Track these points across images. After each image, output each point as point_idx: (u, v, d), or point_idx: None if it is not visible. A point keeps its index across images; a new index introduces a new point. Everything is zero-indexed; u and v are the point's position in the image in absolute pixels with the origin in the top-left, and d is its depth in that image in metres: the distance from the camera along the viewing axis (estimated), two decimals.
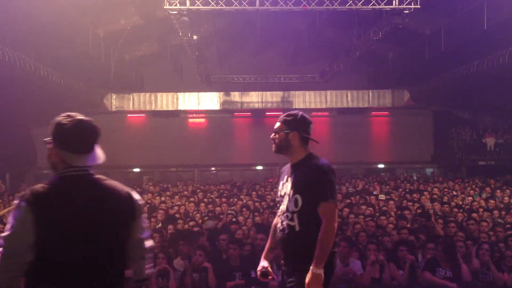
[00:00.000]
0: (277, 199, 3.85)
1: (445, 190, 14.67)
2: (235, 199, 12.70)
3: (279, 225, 3.72)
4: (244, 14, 15.51)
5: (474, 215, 9.80)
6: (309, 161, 3.71)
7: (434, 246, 7.24)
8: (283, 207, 3.69)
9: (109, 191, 2.83)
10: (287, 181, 3.72)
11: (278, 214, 3.78)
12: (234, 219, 9.76)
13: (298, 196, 3.56)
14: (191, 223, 9.46)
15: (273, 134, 3.83)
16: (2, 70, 12.44)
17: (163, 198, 13.53)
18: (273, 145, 3.84)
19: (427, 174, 22.90)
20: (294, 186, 3.62)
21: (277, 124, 3.82)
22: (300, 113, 3.80)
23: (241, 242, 7.66)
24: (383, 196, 13.19)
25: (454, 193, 14.28)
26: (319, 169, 3.60)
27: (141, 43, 20.31)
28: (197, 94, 22.85)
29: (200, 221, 10.03)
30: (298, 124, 3.76)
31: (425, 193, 13.25)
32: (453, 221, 9.09)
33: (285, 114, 3.83)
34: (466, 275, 6.77)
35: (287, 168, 3.85)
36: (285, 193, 3.70)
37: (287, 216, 3.62)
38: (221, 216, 10.50)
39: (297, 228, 3.54)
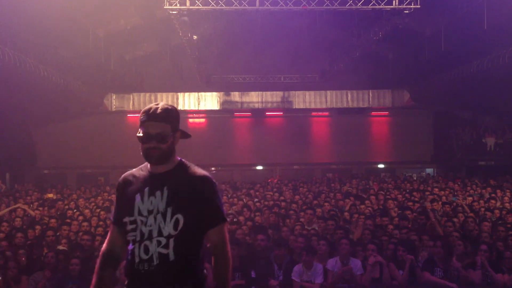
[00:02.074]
0: (130, 220, 2.78)
1: (446, 190, 14.66)
2: (235, 199, 12.70)
3: (137, 254, 2.73)
4: (244, 14, 15.50)
5: (472, 215, 9.81)
6: (186, 169, 2.83)
7: (433, 245, 7.23)
8: (147, 229, 2.73)
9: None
10: (152, 195, 2.76)
11: (132, 239, 2.77)
12: (235, 219, 9.76)
13: (179, 216, 2.71)
14: None
15: (153, 143, 2.78)
16: (2, 70, 12.45)
17: None
18: (154, 157, 2.80)
19: (426, 175, 22.90)
20: (172, 203, 2.72)
21: (157, 125, 2.78)
22: (169, 105, 2.88)
23: (240, 242, 7.66)
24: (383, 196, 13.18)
25: (455, 193, 14.28)
26: (207, 181, 2.81)
27: (141, 43, 20.31)
28: (197, 94, 22.85)
29: None
30: (177, 119, 2.89)
31: (426, 192, 13.25)
32: (452, 221, 9.09)
33: (155, 109, 2.79)
34: (463, 275, 6.77)
35: (141, 178, 2.86)
36: (152, 211, 2.74)
37: (158, 242, 2.71)
38: None
39: (171, 258, 2.71)
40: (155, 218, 2.73)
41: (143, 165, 2.92)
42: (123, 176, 2.94)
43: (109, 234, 2.95)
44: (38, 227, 9.16)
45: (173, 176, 2.81)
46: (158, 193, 2.76)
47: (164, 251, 2.71)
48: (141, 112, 2.87)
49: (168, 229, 2.72)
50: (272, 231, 8.58)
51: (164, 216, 2.73)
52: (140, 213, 2.76)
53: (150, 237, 2.73)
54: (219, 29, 19.56)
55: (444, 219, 9.54)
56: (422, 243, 7.80)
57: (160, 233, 2.72)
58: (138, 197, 2.79)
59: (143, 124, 2.82)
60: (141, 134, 2.82)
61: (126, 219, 2.79)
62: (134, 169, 2.92)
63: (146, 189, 2.79)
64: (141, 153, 2.82)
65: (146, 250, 2.72)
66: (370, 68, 22.89)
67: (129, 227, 2.78)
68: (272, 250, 7.46)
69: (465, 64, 15.81)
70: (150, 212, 2.75)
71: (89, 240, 7.86)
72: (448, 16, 15.72)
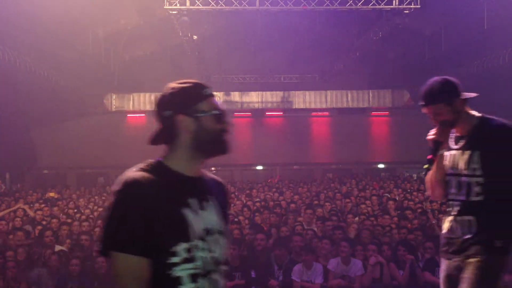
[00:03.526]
0: (184, 248, 1.94)
1: None
2: (235, 199, 12.70)
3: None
4: (244, 14, 15.51)
5: None
6: (206, 173, 2.22)
7: (433, 245, 7.23)
8: (210, 257, 2.00)
9: None
10: (202, 208, 2.04)
11: (190, 273, 1.94)
12: (235, 219, 9.75)
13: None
14: None
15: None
16: (2, 70, 12.45)
17: None
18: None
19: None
20: (221, 217, 2.12)
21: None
22: None
23: (240, 242, 7.66)
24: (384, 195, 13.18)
25: None
26: (228, 190, 2.38)
27: (141, 43, 20.32)
28: None
29: None
30: None
31: (426, 193, 13.25)
32: None
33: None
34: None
35: (169, 184, 2.02)
36: (211, 231, 2.03)
37: (221, 273, 2.06)
38: None
39: None
40: (216, 241, 2.03)
41: (149, 165, 2.05)
42: (133, 182, 1.93)
43: (126, 271, 1.88)
44: (39, 227, 9.17)
45: (206, 181, 2.14)
46: (207, 204, 2.05)
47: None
48: (201, 85, 2.17)
49: (225, 253, 2.09)
50: (275, 229, 8.59)
51: (222, 236, 2.08)
52: (198, 235, 1.97)
53: (216, 268, 2.02)
54: (219, 29, 19.57)
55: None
56: (422, 243, 7.80)
57: (223, 261, 2.07)
58: (187, 212, 1.96)
59: (211, 97, 2.14)
60: (217, 111, 2.11)
61: (178, 247, 1.92)
62: (137, 172, 1.98)
63: (194, 200, 2.00)
64: (210, 139, 2.07)
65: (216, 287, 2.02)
66: (370, 68, 22.91)
67: (183, 256, 1.93)
68: (272, 250, 7.47)
69: (465, 64, 15.81)
70: (208, 232, 2.01)
71: (88, 240, 7.87)
72: (448, 16, 15.73)
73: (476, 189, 3.02)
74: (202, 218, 2.00)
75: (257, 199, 13.10)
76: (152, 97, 22.78)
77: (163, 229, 1.90)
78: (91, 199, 13.46)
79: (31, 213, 10.79)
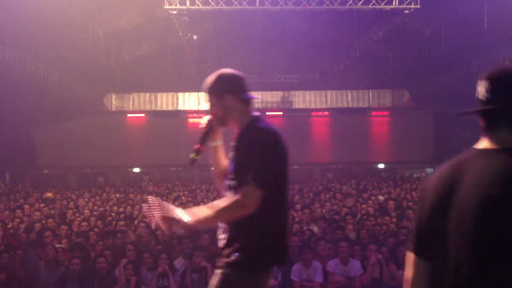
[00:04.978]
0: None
1: None
2: None
3: None
4: (244, 14, 15.50)
5: None
6: None
7: None
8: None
9: None
10: None
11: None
12: None
13: None
14: None
15: None
16: (2, 70, 12.45)
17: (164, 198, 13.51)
18: None
19: (426, 175, 22.89)
20: None
21: None
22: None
23: None
24: (382, 196, 13.19)
25: None
26: None
27: (141, 43, 20.31)
28: (197, 94, 22.85)
29: None
30: None
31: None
32: None
33: None
34: None
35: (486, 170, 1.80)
36: None
37: None
38: None
39: None
40: None
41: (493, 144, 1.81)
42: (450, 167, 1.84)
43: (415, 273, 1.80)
44: (37, 225, 9.17)
45: None
46: None
47: None
48: None
49: None
50: None
51: None
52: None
53: None
54: (219, 29, 19.56)
55: None
56: None
57: None
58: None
59: None
60: None
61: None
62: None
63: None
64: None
65: None
66: (370, 68, 22.91)
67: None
68: None
69: (465, 64, 15.81)
70: None
71: (86, 240, 7.89)
72: (448, 16, 15.72)
73: (229, 195, 2.78)
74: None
75: None
76: (152, 97, 22.77)
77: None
78: (91, 199, 13.45)
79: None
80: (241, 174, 2.69)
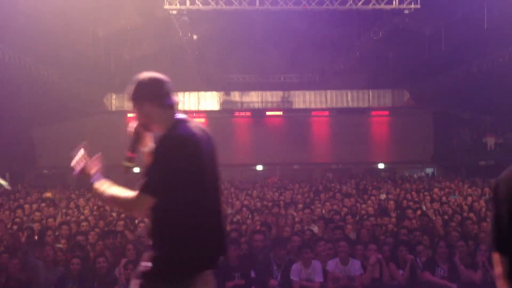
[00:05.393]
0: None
1: (446, 189, 14.66)
2: (235, 199, 12.70)
3: None
4: (244, 14, 15.49)
5: (471, 214, 9.83)
6: None
7: (436, 246, 7.24)
8: None
9: None
10: None
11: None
12: (235, 219, 9.76)
13: None
14: None
15: None
16: (2, 70, 12.45)
17: None
18: None
19: (428, 174, 22.89)
20: None
21: None
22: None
23: (239, 242, 7.65)
24: (384, 195, 13.19)
25: (454, 192, 14.27)
26: None
27: (141, 43, 20.29)
28: (197, 94, 22.86)
29: None
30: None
31: (425, 193, 13.24)
32: (452, 221, 9.09)
33: None
34: (464, 275, 6.78)
35: None
36: None
37: None
38: None
39: None
40: None
41: None
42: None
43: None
44: (37, 225, 9.17)
45: None
46: None
47: None
48: None
49: None
50: (275, 229, 8.58)
51: None
52: None
53: None
54: (219, 29, 19.54)
55: (443, 219, 9.54)
56: (423, 243, 7.80)
57: None
58: None
59: None
60: None
61: None
62: None
63: None
64: None
65: None
66: (370, 68, 22.88)
67: None
68: (271, 249, 7.45)
69: (465, 64, 15.81)
70: None
71: (85, 240, 7.89)
72: (448, 16, 15.71)
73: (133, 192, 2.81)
74: None
75: (257, 199, 13.10)
76: None
77: None
78: (91, 199, 13.44)
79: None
80: (142, 178, 2.74)
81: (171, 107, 2.91)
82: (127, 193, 2.79)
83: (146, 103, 2.86)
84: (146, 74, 2.91)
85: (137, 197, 2.70)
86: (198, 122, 3.03)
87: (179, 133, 2.79)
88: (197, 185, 2.75)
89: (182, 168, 2.69)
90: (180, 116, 2.91)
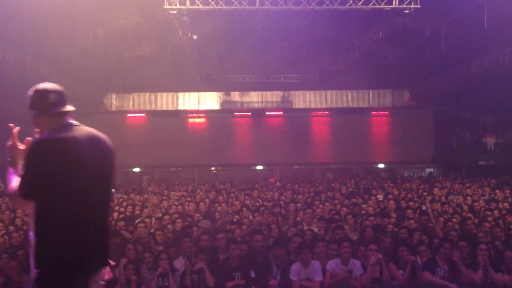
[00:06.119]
0: None
1: (445, 189, 14.65)
2: (235, 199, 12.69)
3: None
4: (244, 14, 15.49)
5: (470, 215, 9.83)
6: None
7: (438, 246, 7.24)
8: None
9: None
10: None
11: None
12: (235, 219, 9.75)
13: None
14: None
15: None
16: (2, 69, 12.44)
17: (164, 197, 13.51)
18: None
19: (428, 174, 22.88)
20: None
21: None
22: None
23: (238, 242, 7.65)
24: (381, 196, 13.17)
25: (455, 192, 14.27)
26: None
27: (141, 43, 20.30)
28: (197, 94, 22.85)
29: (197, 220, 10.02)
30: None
31: (425, 193, 13.24)
32: (452, 221, 9.08)
33: None
34: (464, 275, 6.77)
35: None
36: None
37: None
38: (217, 214, 10.45)
39: None
40: None
41: None
42: None
43: None
44: None
45: None
46: None
47: None
48: None
49: None
50: (275, 229, 8.57)
51: None
52: None
53: None
54: (219, 29, 19.55)
55: (443, 219, 9.53)
56: (423, 244, 7.79)
57: None
58: None
59: None
60: None
61: None
62: None
63: None
64: None
65: None
66: (370, 68, 22.90)
67: None
68: (271, 250, 7.45)
69: (465, 64, 15.80)
70: None
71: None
72: (448, 16, 15.72)
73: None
74: None
75: (258, 199, 13.10)
76: (152, 97, 22.76)
77: None
78: None
79: None
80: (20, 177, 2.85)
81: (60, 114, 3.07)
82: (16, 182, 2.91)
83: (34, 113, 3.07)
84: (34, 87, 3.18)
85: (14, 196, 2.85)
86: (87, 128, 3.14)
87: (48, 136, 2.93)
88: (71, 189, 2.81)
89: (50, 171, 2.78)
90: (69, 122, 3.06)
